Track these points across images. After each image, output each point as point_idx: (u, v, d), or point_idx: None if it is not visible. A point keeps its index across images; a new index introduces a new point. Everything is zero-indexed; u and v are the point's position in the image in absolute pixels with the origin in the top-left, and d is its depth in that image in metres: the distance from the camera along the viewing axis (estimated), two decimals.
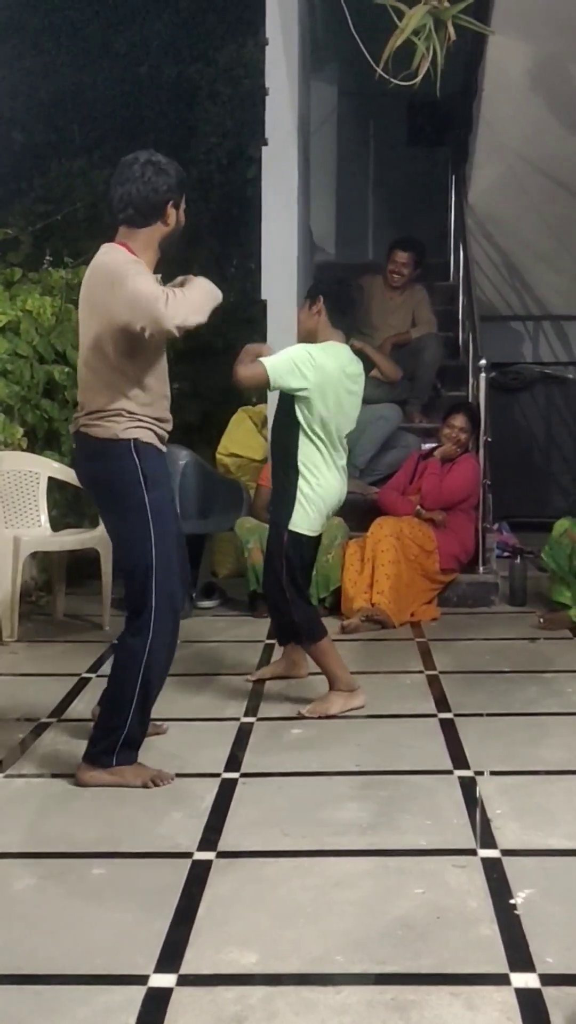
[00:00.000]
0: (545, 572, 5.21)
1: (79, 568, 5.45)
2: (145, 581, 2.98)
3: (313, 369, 3.55)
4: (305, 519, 3.64)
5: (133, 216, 2.98)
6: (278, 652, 4.47)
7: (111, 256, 2.96)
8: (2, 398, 5.01)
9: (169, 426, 3.13)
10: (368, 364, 6.15)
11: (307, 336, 3.73)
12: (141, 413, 3.01)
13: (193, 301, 2.88)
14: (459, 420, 5.43)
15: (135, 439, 2.99)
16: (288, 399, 3.64)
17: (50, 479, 5.07)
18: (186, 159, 7.96)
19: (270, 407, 3.75)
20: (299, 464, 3.63)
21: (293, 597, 3.66)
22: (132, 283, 2.84)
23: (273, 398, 3.92)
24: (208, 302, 2.94)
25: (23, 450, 5.10)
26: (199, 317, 2.89)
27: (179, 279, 3.04)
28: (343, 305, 3.75)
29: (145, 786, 2.99)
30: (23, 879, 2.53)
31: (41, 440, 5.37)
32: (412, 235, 6.71)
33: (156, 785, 3.00)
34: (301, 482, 3.63)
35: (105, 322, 2.92)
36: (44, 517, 5.05)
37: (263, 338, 5.21)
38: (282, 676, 4.05)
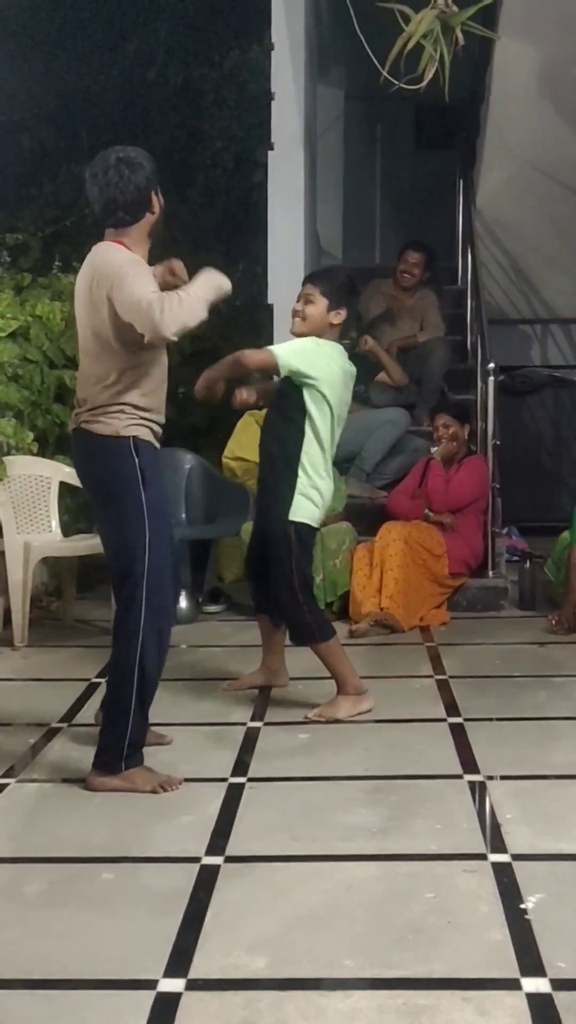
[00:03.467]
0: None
1: (89, 573, 5.46)
2: (138, 580, 2.97)
3: (323, 357, 3.58)
4: (307, 510, 3.63)
5: (123, 218, 3.01)
6: (289, 653, 4.47)
7: (111, 255, 2.97)
8: (12, 403, 5.02)
9: (163, 419, 3.13)
10: (374, 368, 6.19)
11: (310, 334, 3.67)
12: (142, 406, 3.03)
13: (190, 303, 2.86)
14: (441, 419, 5.47)
15: (134, 436, 3.00)
16: (293, 397, 3.61)
17: (61, 484, 5.08)
18: (192, 164, 7.98)
19: (274, 404, 3.73)
20: (299, 464, 3.61)
21: (305, 596, 3.65)
22: (130, 288, 2.85)
23: (277, 393, 3.89)
24: (210, 296, 2.93)
25: (34, 455, 5.11)
26: (198, 317, 2.89)
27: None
28: (351, 318, 3.77)
29: (154, 791, 2.99)
30: (34, 884, 2.53)
31: (52, 445, 5.38)
32: (421, 239, 6.72)
33: (165, 791, 3.00)
34: (301, 480, 3.61)
35: (111, 316, 2.93)
36: (55, 522, 5.06)
37: (269, 342, 5.22)
38: (261, 686, 3.98)
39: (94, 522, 3.11)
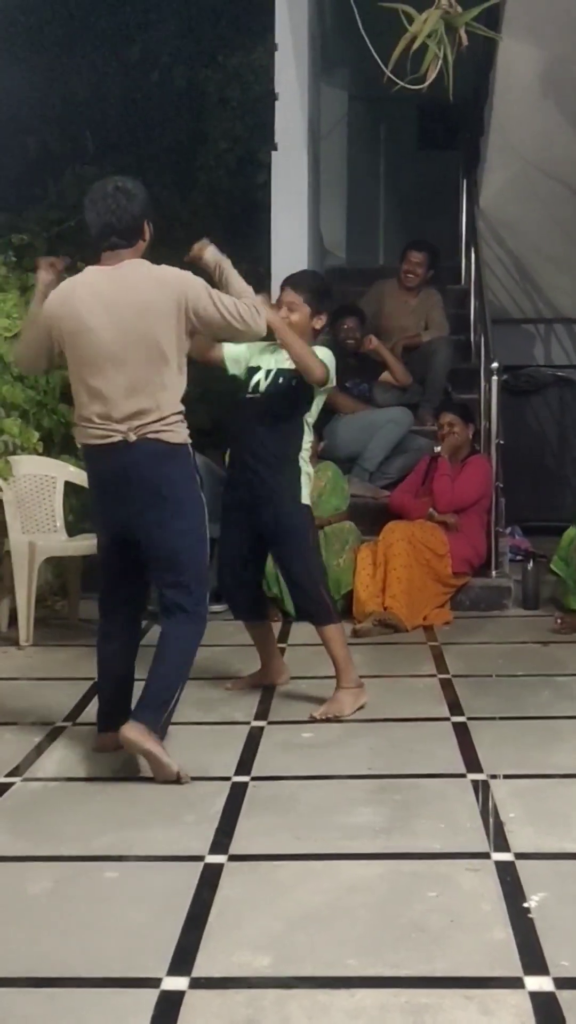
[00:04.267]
0: (556, 576, 5.20)
1: (94, 573, 5.45)
2: (205, 578, 3.22)
3: (332, 365, 3.73)
4: (307, 494, 3.78)
5: (117, 242, 3.18)
6: (289, 653, 4.48)
7: (162, 270, 3.15)
8: (18, 402, 5.02)
9: None
10: (378, 368, 6.19)
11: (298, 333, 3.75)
12: (183, 411, 3.21)
13: (255, 298, 3.19)
14: (445, 417, 5.48)
15: (191, 442, 3.21)
16: (298, 397, 3.71)
17: (66, 484, 5.09)
18: (196, 164, 7.98)
19: (268, 399, 3.73)
20: (300, 455, 3.73)
21: (320, 574, 3.81)
22: (220, 302, 3.11)
23: (275, 388, 3.86)
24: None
25: (39, 454, 5.12)
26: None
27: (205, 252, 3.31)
28: (328, 326, 3.93)
29: (177, 775, 3.03)
30: (38, 882, 2.54)
31: (57, 444, 5.39)
32: (425, 238, 6.72)
33: (181, 780, 3.03)
34: (302, 467, 3.74)
35: (181, 327, 3.11)
36: (60, 522, 5.07)
37: None
38: (263, 684, 4.00)
39: (135, 526, 3.15)
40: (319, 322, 3.79)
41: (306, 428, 3.76)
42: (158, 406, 3.10)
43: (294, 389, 3.71)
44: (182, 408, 3.18)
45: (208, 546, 3.23)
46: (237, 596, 3.99)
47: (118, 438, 3.11)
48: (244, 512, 3.78)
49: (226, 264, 3.28)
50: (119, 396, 3.11)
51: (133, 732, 3.03)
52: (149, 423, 3.10)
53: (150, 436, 3.10)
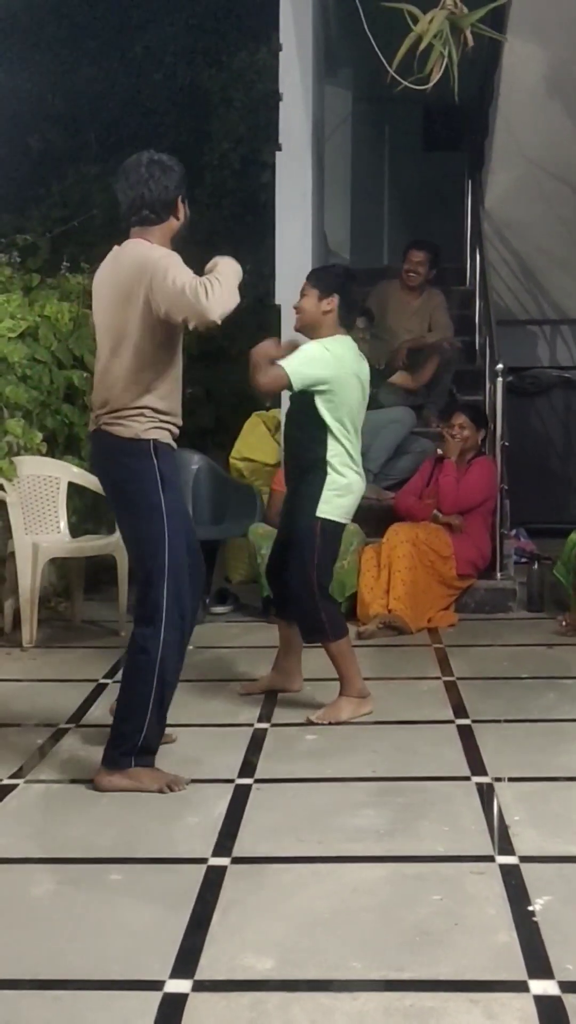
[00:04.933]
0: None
1: (97, 574, 5.46)
2: (159, 582, 3.00)
3: (333, 360, 3.61)
4: (336, 505, 3.65)
5: (148, 216, 3.05)
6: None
7: (144, 250, 3.00)
8: (22, 403, 5.02)
9: (180, 421, 3.17)
10: (386, 372, 6.19)
11: (309, 326, 3.72)
12: (161, 409, 3.05)
13: (228, 286, 2.90)
14: (458, 419, 5.42)
15: (154, 440, 3.03)
16: (308, 410, 3.64)
17: (70, 484, 5.09)
18: (200, 165, 7.98)
19: (283, 410, 3.75)
20: (327, 463, 3.63)
21: (321, 593, 3.66)
22: (172, 277, 2.88)
23: (287, 399, 3.91)
24: (236, 281, 2.98)
25: (43, 455, 5.12)
26: (235, 300, 2.93)
27: (210, 264, 3.06)
28: (349, 306, 3.78)
29: (161, 791, 3.00)
30: (42, 884, 2.54)
31: (61, 445, 5.39)
32: (428, 238, 6.71)
33: (172, 790, 3.00)
34: (331, 478, 3.63)
35: (142, 314, 2.95)
36: (63, 523, 5.06)
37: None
38: (275, 689, 3.96)
39: (114, 524, 3.11)
40: (328, 304, 3.69)
41: (331, 438, 3.62)
42: (112, 398, 3.04)
43: (299, 404, 3.71)
44: (145, 404, 3.00)
45: (166, 550, 2.98)
46: (277, 592, 3.95)
47: (92, 427, 3.14)
48: (284, 514, 3.84)
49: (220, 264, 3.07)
50: (96, 384, 3.13)
51: (103, 782, 3.02)
52: (104, 413, 3.06)
53: (103, 427, 3.06)
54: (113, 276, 3.05)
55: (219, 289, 2.85)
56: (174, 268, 2.90)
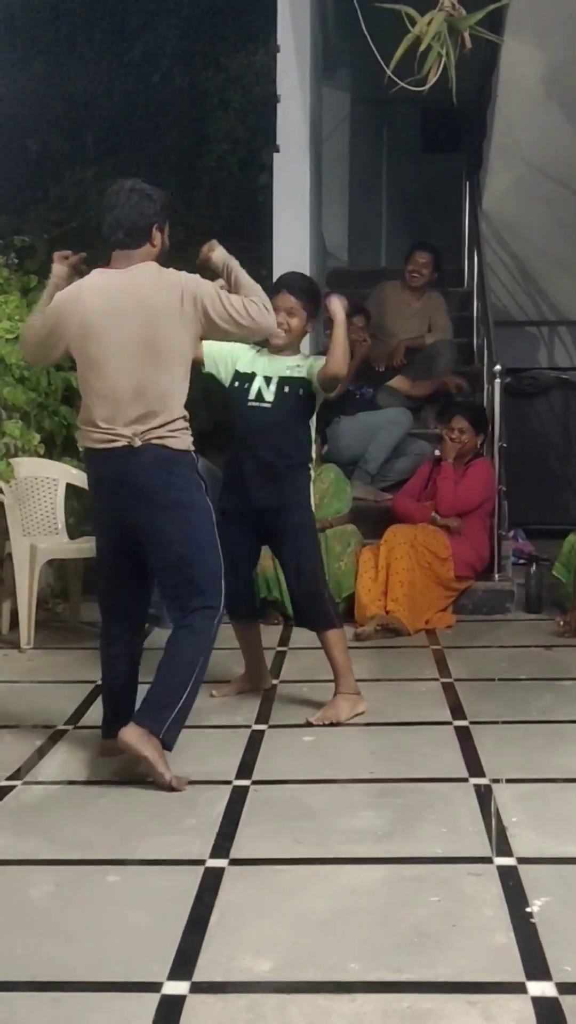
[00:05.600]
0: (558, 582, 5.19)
1: (95, 575, 5.45)
2: (217, 585, 3.16)
3: None
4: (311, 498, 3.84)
5: (123, 239, 3.14)
6: (290, 657, 4.47)
7: (168, 274, 3.13)
8: (19, 405, 5.02)
9: None
10: (386, 375, 6.20)
11: (293, 343, 3.79)
12: (187, 417, 3.19)
13: (263, 296, 3.21)
14: (457, 422, 5.40)
15: (195, 448, 3.19)
16: (308, 403, 3.75)
17: (67, 486, 5.09)
18: (198, 166, 7.99)
19: (278, 410, 3.72)
20: (308, 458, 3.78)
21: (324, 579, 3.82)
22: (229, 299, 3.12)
23: (282, 397, 3.86)
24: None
25: (40, 456, 5.11)
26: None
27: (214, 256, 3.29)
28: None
29: (170, 784, 3.00)
30: (40, 886, 2.53)
31: (59, 447, 5.38)
32: (427, 240, 6.73)
33: (176, 788, 3.01)
34: (311, 471, 3.81)
35: (192, 332, 3.12)
36: (61, 524, 5.06)
37: None
38: (248, 689, 3.98)
39: (140, 531, 3.14)
40: (311, 328, 3.85)
41: (313, 436, 3.82)
42: (163, 411, 3.09)
43: (302, 398, 3.73)
44: (186, 414, 3.16)
45: (219, 550, 3.18)
46: (235, 598, 3.94)
47: (122, 443, 3.09)
48: (246, 516, 3.76)
49: (234, 264, 3.27)
50: (125, 401, 3.09)
51: (131, 736, 3.01)
52: (154, 428, 3.09)
53: (154, 442, 3.09)
54: (137, 298, 3.08)
55: (264, 304, 3.18)
56: (225, 294, 3.15)
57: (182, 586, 3.15)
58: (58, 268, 3.33)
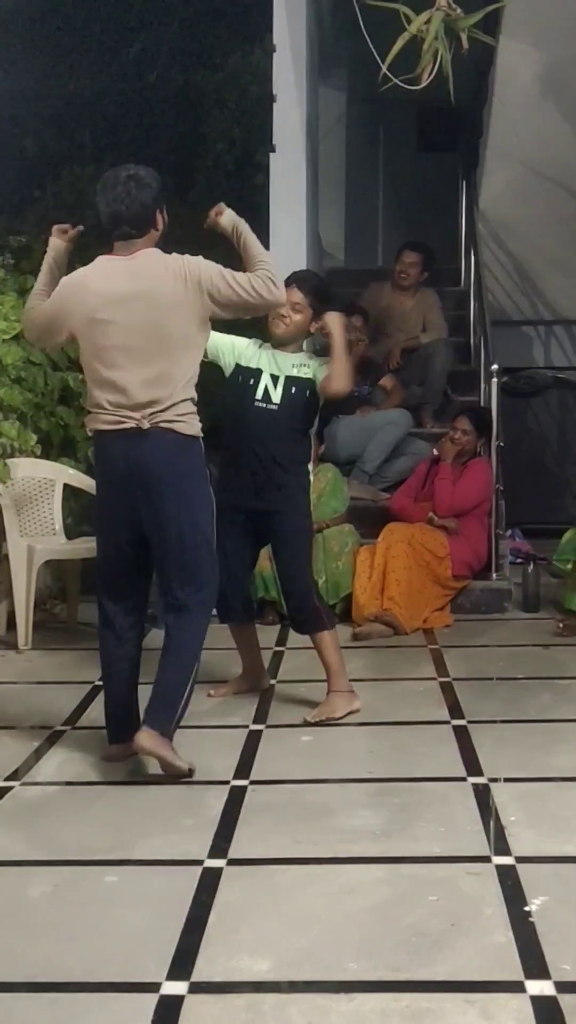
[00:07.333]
0: (558, 578, 5.20)
1: (93, 576, 5.44)
2: (211, 575, 3.20)
3: None
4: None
5: (128, 232, 3.14)
6: (288, 657, 4.47)
7: (172, 259, 3.12)
8: (16, 405, 5.01)
9: None
10: (378, 374, 6.19)
11: (290, 339, 3.77)
12: (196, 400, 3.19)
13: (271, 265, 3.18)
14: (461, 423, 5.42)
15: (203, 436, 3.20)
16: (311, 408, 3.76)
17: (65, 487, 5.08)
18: (194, 166, 7.97)
19: (285, 411, 3.72)
20: (308, 459, 3.80)
21: (315, 584, 3.83)
22: (234, 275, 3.11)
23: (289, 398, 3.86)
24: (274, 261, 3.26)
25: (37, 457, 5.11)
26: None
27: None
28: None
29: (189, 771, 3.06)
30: (38, 887, 2.53)
31: (56, 447, 5.38)
32: (422, 240, 6.72)
33: (193, 771, 3.07)
34: (308, 475, 3.83)
35: (201, 317, 3.11)
36: (59, 525, 5.06)
37: None
38: (245, 690, 3.98)
39: (144, 520, 3.13)
40: (315, 327, 3.78)
41: (311, 441, 3.85)
42: (172, 396, 3.09)
43: (308, 400, 3.73)
44: (195, 397, 3.15)
45: (215, 544, 3.22)
46: (230, 598, 3.94)
47: (131, 424, 3.09)
48: (244, 515, 3.74)
49: (244, 227, 3.26)
50: (135, 387, 3.09)
51: (147, 741, 3.03)
52: (162, 411, 3.08)
53: (163, 425, 3.08)
54: (144, 286, 3.08)
55: (271, 276, 3.13)
56: (231, 272, 3.11)
57: (182, 578, 3.15)
58: (55, 242, 3.32)
